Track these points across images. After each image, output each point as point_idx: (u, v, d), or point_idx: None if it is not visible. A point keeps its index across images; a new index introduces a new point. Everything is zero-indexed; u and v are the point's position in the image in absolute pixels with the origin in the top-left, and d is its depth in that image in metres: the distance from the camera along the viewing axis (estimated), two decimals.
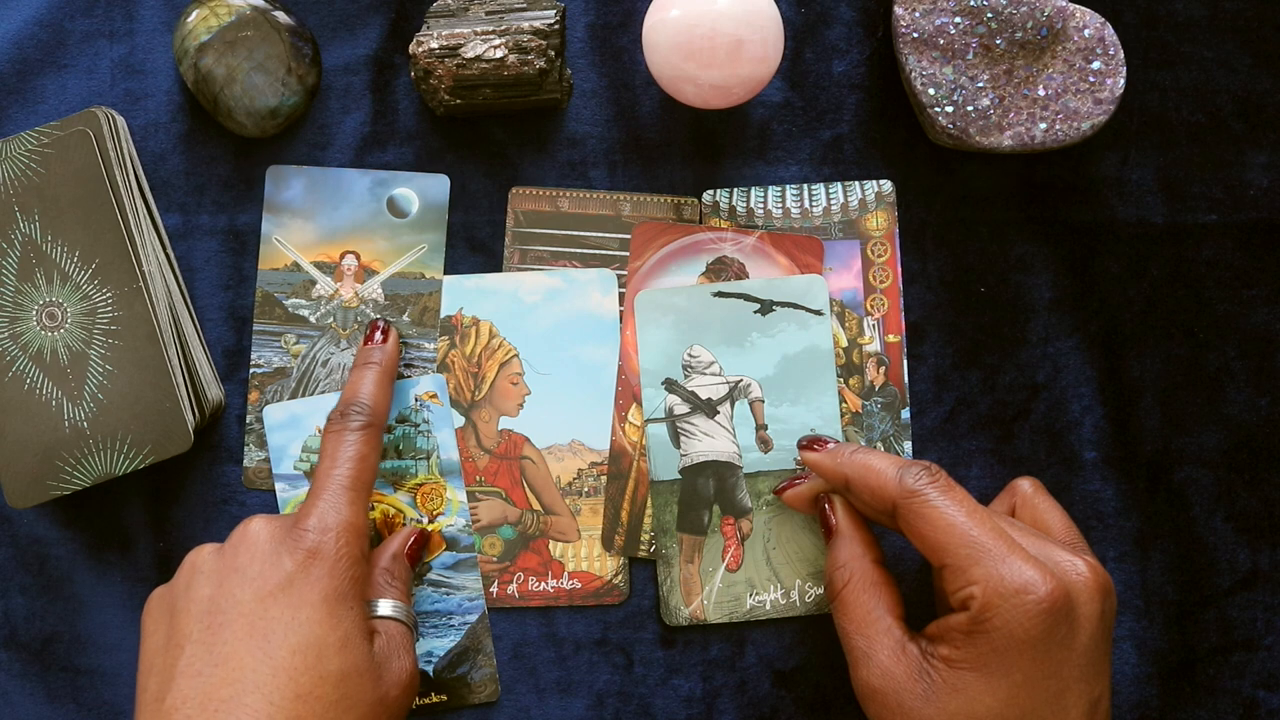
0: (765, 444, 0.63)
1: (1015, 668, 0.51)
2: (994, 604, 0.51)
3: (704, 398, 0.63)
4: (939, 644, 0.53)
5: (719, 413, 0.63)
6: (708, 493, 0.63)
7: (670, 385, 0.63)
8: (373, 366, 0.61)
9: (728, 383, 0.63)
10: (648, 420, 0.63)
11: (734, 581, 0.63)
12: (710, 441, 0.63)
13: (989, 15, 0.60)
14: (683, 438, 0.63)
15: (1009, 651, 0.51)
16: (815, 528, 0.63)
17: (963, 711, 0.51)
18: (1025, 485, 0.59)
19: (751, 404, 0.63)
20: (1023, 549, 0.52)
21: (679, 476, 0.63)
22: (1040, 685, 0.51)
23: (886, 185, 0.64)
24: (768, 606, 0.63)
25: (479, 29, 0.61)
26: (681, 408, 0.63)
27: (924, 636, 0.54)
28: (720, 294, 0.63)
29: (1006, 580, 0.51)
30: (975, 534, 0.52)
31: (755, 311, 0.63)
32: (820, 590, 0.63)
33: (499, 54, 0.61)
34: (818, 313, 0.63)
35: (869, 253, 0.64)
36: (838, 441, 0.60)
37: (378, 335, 0.62)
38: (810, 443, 0.59)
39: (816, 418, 0.62)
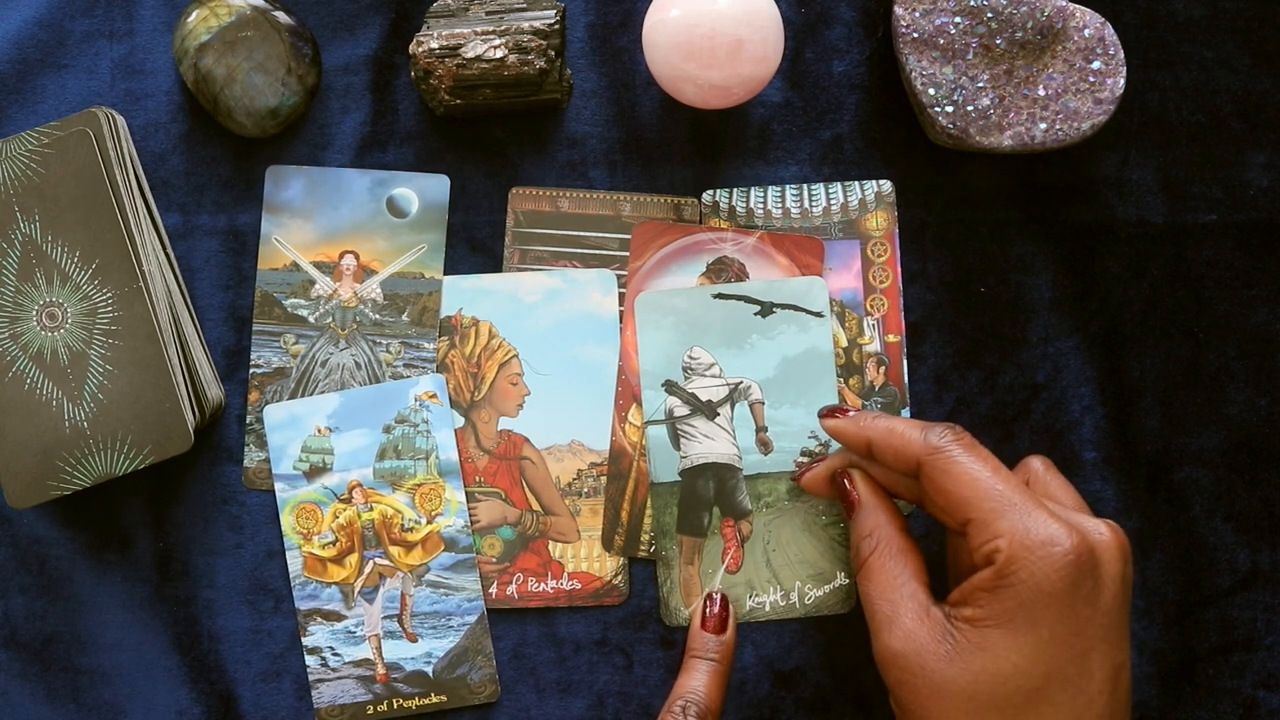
0: (765, 446, 0.63)
1: (1041, 623, 0.50)
2: (1020, 556, 0.50)
3: (704, 400, 0.63)
4: (962, 607, 0.52)
5: (719, 415, 0.63)
6: (707, 494, 0.63)
7: (670, 387, 0.63)
8: (710, 663, 0.60)
9: (728, 385, 0.63)
10: (648, 422, 0.63)
11: (734, 583, 0.63)
12: (710, 443, 0.63)
13: (989, 15, 0.60)
14: (683, 440, 0.63)
15: (1035, 605, 0.50)
16: (815, 530, 0.63)
17: (988, 670, 0.51)
18: (1037, 464, 0.58)
19: (751, 406, 0.63)
20: (1047, 506, 0.52)
21: (679, 478, 0.63)
22: (1066, 643, 0.50)
23: (886, 185, 0.64)
24: (767, 608, 0.63)
25: (479, 29, 0.61)
26: (681, 409, 0.63)
27: (947, 603, 0.54)
28: (720, 296, 0.63)
29: (1032, 532, 0.50)
30: (1001, 488, 0.52)
31: (755, 313, 0.63)
32: (819, 592, 0.63)
33: (499, 54, 0.61)
34: (818, 315, 0.63)
35: (869, 253, 0.64)
36: (858, 409, 0.60)
37: (713, 616, 0.61)
38: (831, 411, 0.59)
39: (816, 420, 0.62)
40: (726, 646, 0.60)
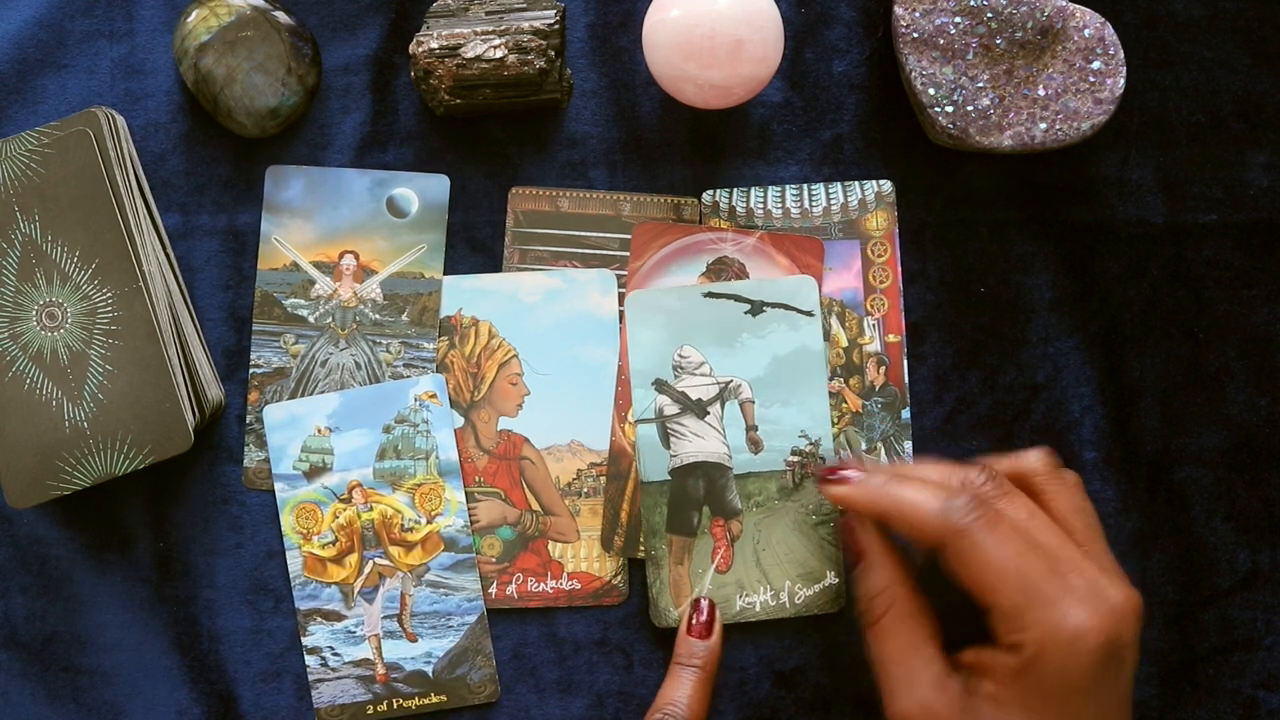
0: (755, 445, 0.62)
1: (1067, 712, 0.49)
2: (1048, 651, 0.49)
3: (694, 398, 0.63)
4: (983, 679, 0.51)
5: (709, 413, 0.63)
6: (697, 494, 0.63)
7: (660, 386, 0.63)
8: (693, 670, 0.60)
9: (718, 383, 0.63)
10: (637, 420, 0.63)
11: (723, 583, 0.62)
12: (700, 442, 0.63)
13: (989, 15, 0.60)
14: (672, 438, 0.63)
15: (1059, 696, 0.49)
16: (805, 529, 0.62)
17: None
18: (1036, 465, 0.55)
19: (741, 405, 0.63)
20: (1074, 588, 0.50)
21: (668, 477, 0.63)
22: None
23: (886, 185, 0.64)
24: (757, 608, 0.63)
25: (479, 29, 0.61)
26: (671, 408, 0.63)
27: (965, 667, 0.52)
28: (711, 295, 0.63)
29: (1061, 627, 0.49)
30: (1027, 577, 0.50)
31: (746, 312, 0.63)
32: (809, 591, 0.63)
33: (499, 54, 0.61)
34: (808, 314, 0.63)
35: (869, 253, 0.64)
36: (860, 468, 0.56)
37: (699, 623, 0.61)
38: (833, 476, 0.56)
39: (807, 419, 0.62)
40: (712, 653, 0.60)
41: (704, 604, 0.61)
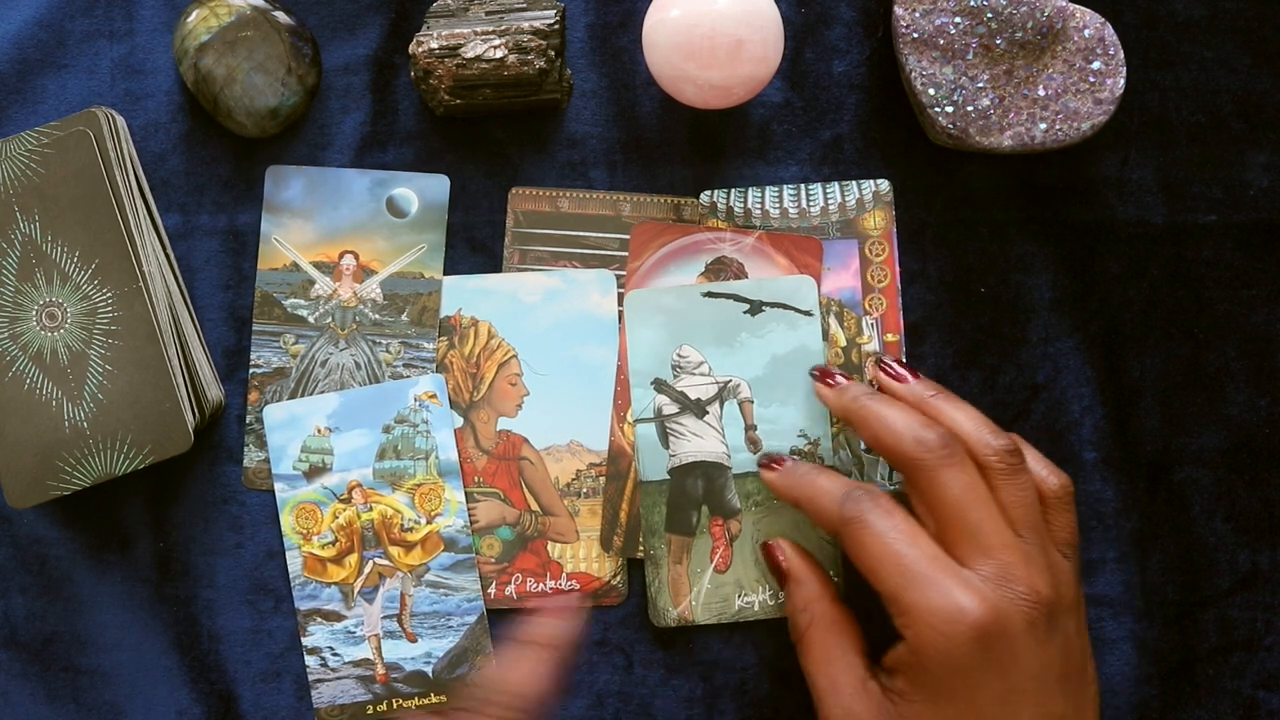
0: (754, 444, 0.62)
1: (959, 695, 0.51)
2: (924, 634, 0.50)
3: (693, 398, 0.63)
4: (895, 676, 0.53)
5: (708, 413, 0.63)
6: (696, 493, 0.63)
7: (659, 385, 0.63)
8: (534, 646, 0.57)
9: (717, 383, 0.63)
10: (636, 420, 0.63)
11: (722, 582, 0.62)
12: (699, 442, 0.62)
13: (989, 15, 0.60)
14: (671, 438, 0.63)
15: (946, 679, 0.51)
16: (804, 529, 0.62)
17: None
18: (989, 456, 0.54)
19: (740, 404, 0.62)
20: (955, 571, 0.51)
21: (667, 477, 0.63)
22: (987, 711, 0.51)
23: (884, 184, 0.64)
24: (756, 607, 0.63)
25: (479, 29, 0.61)
26: (670, 408, 0.63)
27: (883, 669, 0.54)
28: (710, 294, 0.63)
29: (934, 608, 0.50)
30: (907, 562, 0.51)
31: (745, 312, 0.63)
32: None
33: (499, 54, 0.61)
34: (807, 313, 0.63)
35: (867, 252, 0.64)
36: (793, 460, 0.60)
37: (554, 609, 0.58)
38: (769, 461, 0.60)
39: (805, 418, 0.62)
40: (561, 634, 0.57)
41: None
